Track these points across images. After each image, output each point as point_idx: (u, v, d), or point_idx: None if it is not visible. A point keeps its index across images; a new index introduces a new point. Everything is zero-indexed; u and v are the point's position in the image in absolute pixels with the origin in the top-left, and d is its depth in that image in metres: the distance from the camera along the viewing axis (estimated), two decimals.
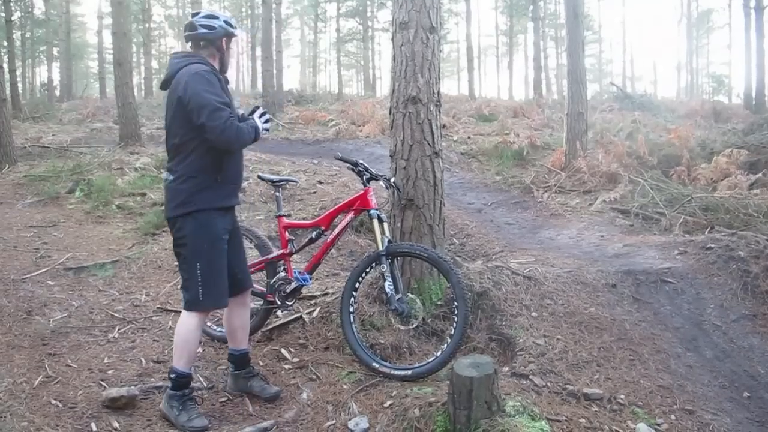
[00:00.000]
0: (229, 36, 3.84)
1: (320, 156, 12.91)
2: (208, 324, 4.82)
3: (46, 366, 4.23)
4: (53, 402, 3.77)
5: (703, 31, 48.61)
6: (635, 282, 5.61)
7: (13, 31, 25.36)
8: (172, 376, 3.69)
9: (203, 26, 3.76)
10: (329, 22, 47.64)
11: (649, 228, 8.10)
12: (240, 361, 4.06)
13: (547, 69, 38.71)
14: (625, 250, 6.86)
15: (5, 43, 19.16)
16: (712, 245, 6.21)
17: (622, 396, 3.95)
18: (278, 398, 3.98)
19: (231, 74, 3.97)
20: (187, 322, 3.71)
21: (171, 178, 3.69)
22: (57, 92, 33.15)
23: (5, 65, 13.02)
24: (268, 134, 3.85)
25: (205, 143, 3.60)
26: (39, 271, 5.90)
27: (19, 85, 26.64)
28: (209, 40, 3.79)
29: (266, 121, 3.84)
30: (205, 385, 4.15)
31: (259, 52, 28.82)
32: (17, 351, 4.42)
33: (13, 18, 25.28)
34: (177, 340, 3.75)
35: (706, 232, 7.36)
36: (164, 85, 3.80)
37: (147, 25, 33.54)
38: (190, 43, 3.90)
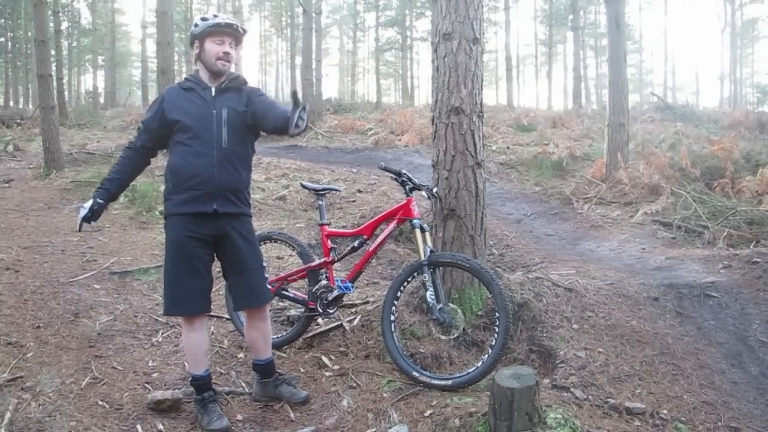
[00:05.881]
0: (197, 36, 3.73)
1: (359, 165, 12.98)
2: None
3: (93, 368, 4.33)
4: (100, 403, 3.86)
5: (748, 40, 47.71)
6: (678, 295, 5.52)
7: (61, 41, 26.01)
8: (189, 379, 3.82)
9: None
10: (368, 32, 48.03)
11: (691, 241, 7.98)
12: (265, 369, 4.06)
13: (586, 79, 38.37)
14: (667, 263, 6.77)
15: (53, 52, 19.59)
16: (758, 259, 6.09)
17: (665, 411, 3.89)
18: (308, 402, 4.02)
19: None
20: (182, 327, 3.81)
21: None
22: (101, 100, 33.87)
23: (53, 73, 13.31)
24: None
25: (168, 153, 3.79)
26: (85, 275, 6.02)
27: (66, 93, 27.29)
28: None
29: (86, 213, 3.71)
30: (247, 390, 4.20)
31: (298, 60, 29.05)
32: (65, 352, 4.52)
33: (61, 28, 25.93)
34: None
35: (751, 246, 7.22)
36: None
37: (189, 34, 34.09)
38: None
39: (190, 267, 3.66)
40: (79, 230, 3.73)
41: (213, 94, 3.74)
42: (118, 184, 3.79)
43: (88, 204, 3.69)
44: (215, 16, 3.74)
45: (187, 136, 3.66)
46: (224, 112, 3.71)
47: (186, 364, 4.45)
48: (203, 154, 3.64)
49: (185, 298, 3.68)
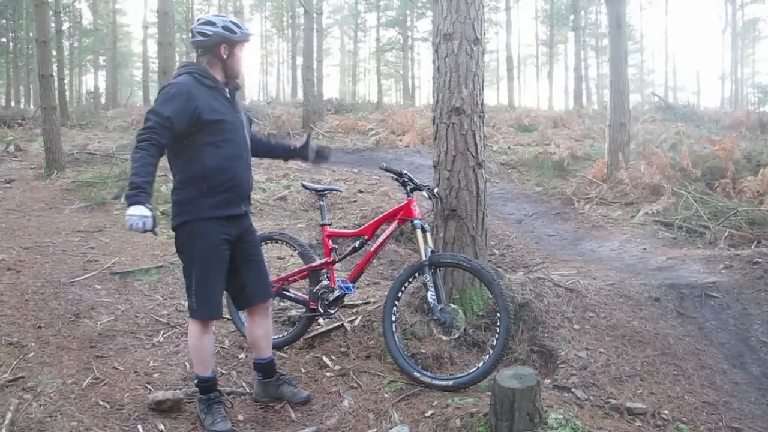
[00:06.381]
0: (229, 42, 3.69)
1: (360, 165, 12.97)
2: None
3: (94, 368, 4.33)
4: (101, 403, 3.87)
5: (749, 40, 47.70)
6: (679, 296, 5.52)
7: (63, 41, 26.03)
8: (195, 381, 3.79)
9: (199, 33, 3.69)
10: (369, 32, 48.02)
11: (693, 241, 7.98)
12: (267, 369, 4.06)
13: (587, 79, 38.37)
14: (668, 263, 6.76)
15: (55, 53, 19.60)
16: (759, 260, 6.09)
17: (666, 411, 3.89)
18: (309, 402, 4.02)
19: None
20: (193, 330, 3.75)
21: (171, 189, 3.76)
22: (102, 100, 33.88)
23: (54, 74, 13.31)
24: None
25: (187, 153, 3.62)
26: (87, 275, 6.02)
27: (67, 93, 27.30)
28: (204, 48, 3.72)
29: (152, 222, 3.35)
30: (248, 390, 4.20)
31: (299, 61, 29.07)
32: (66, 353, 4.53)
33: (62, 28, 25.95)
34: (189, 346, 3.83)
35: (752, 246, 7.22)
36: None
37: (190, 35, 34.13)
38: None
39: (221, 270, 3.70)
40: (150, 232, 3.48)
41: (228, 96, 3.77)
42: (152, 186, 3.55)
43: (144, 212, 3.30)
44: (242, 25, 3.78)
45: (220, 138, 3.63)
46: (244, 117, 3.83)
47: (187, 364, 4.46)
48: (238, 157, 3.72)
49: (218, 301, 3.73)
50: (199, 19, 3.78)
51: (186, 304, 5.50)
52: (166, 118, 3.45)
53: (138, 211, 3.29)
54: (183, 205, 3.64)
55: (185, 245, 3.69)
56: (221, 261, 3.68)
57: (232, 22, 3.71)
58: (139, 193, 3.33)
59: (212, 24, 3.68)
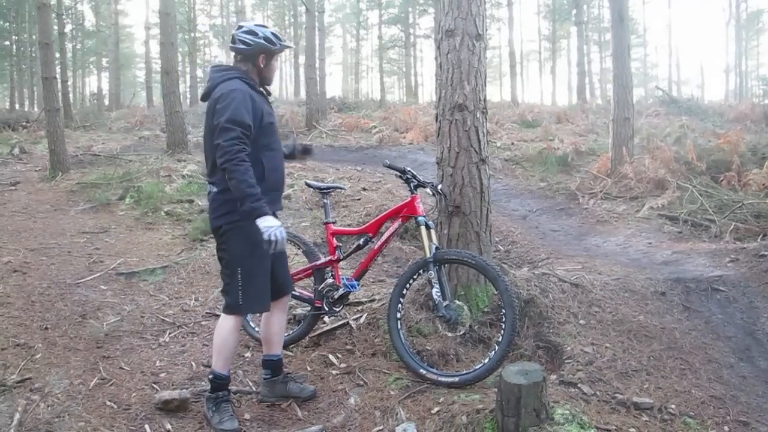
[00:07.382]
0: (269, 52, 3.85)
1: (364, 163, 12.96)
2: (253, 326, 4.87)
3: (101, 368, 4.35)
4: (108, 403, 3.88)
5: (753, 32, 47.40)
6: (685, 290, 5.51)
7: (65, 43, 26.07)
8: (210, 377, 3.79)
9: (242, 41, 3.80)
10: (371, 30, 47.89)
11: (698, 235, 7.96)
12: (277, 367, 4.08)
13: (590, 74, 38.17)
14: (674, 257, 6.75)
15: (58, 55, 19.62)
16: (766, 253, 6.07)
17: (673, 406, 3.88)
18: (316, 397, 4.05)
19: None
20: (225, 325, 3.78)
21: (215, 189, 3.75)
22: (106, 101, 33.91)
23: (58, 76, 13.34)
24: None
25: (257, 154, 3.71)
26: (92, 276, 6.05)
27: (70, 95, 27.35)
28: (246, 56, 3.84)
29: (277, 230, 3.51)
30: (254, 389, 4.20)
31: (302, 59, 29.06)
32: (73, 353, 4.54)
33: (65, 30, 25.98)
34: (215, 342, 3.83)
35: (758, 240, 7.20)
36: (205, 97, 3.83)
37: (192, 35, 34.19)
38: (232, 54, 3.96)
39: (267, 266, 3.80)
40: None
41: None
42: None
43: (277, 222, 3.56)
44: (281, 36, 3.92)
45: (272, 139, 3.84)
46: None
47: (193, 364, 4.48)
48: (282, 158, 3.98)
49: (268, 295, 3.83)
50: (240, 27, 3.89)
51: (191, 304, 5.57)
52: (247, 126, 3.59)
53: (273, 222, 3.53)
54: (235, 204, 3.62)
55: (233, 242, 3.74)
56: (266, 257, 3.73)
57: (272, 34, 3.86)
58: (263, 204, 3.53)
59: (254, 34, 3.81)
